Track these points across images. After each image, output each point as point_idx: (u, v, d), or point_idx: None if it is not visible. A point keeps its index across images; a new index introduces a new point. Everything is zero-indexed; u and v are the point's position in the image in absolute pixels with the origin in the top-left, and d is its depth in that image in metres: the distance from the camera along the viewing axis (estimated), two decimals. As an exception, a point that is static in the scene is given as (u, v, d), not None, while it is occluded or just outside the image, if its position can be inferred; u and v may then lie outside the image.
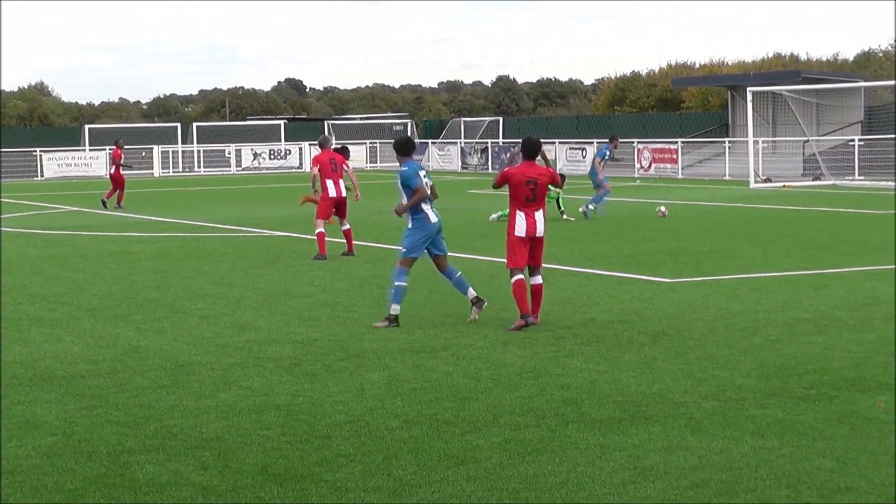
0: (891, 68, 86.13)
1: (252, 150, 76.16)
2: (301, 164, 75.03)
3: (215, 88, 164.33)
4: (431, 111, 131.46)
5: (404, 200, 15.82)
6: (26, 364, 13.25)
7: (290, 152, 76.49)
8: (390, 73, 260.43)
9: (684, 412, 10.56)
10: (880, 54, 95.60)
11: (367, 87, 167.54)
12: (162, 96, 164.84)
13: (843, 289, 18.17)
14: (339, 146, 36.29)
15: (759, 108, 57.66)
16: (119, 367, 13.05)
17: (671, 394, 11.30)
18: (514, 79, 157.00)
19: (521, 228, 15.32)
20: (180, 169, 74.51)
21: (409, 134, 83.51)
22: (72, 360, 13.44)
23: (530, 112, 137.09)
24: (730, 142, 60.59)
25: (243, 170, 74.45)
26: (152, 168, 71.81)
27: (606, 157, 34.73)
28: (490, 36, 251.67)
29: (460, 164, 72.97)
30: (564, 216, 32.54)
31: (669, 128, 69.55)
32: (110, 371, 12.79)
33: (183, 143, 77.44)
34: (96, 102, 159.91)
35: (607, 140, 36.14)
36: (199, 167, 74.91)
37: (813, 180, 51.94)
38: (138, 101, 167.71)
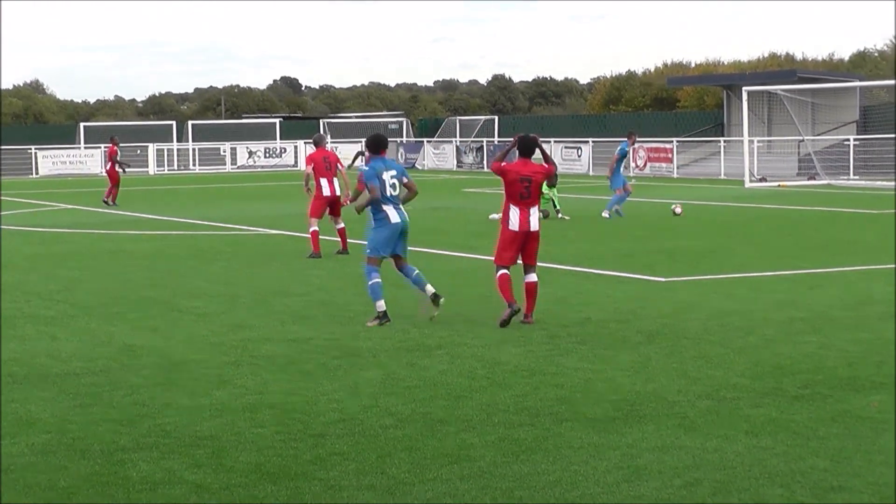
0: (886, 68, 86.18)
1: (247, 148, 76.14)
2: (296, 162, 74.98)
3: (211, 86, 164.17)
4: (427, 110, 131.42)
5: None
6: (21, 362, 13.24)
7: (285, 150, 76.50)
8: (386, 71, 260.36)
9: (678, 411, 10.57)
10: (876, 54, 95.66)
11: (362, 85, 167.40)
12: (157, 94, 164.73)
13: (839, 288, 18.19)
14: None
15: (754, 108, 57.67)
16: (114, 365, 13.04)
17: (665, 393, 11.30)
18: (509, 78, 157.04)
19: (514, 223, 15.36)
20: (175, 167, 74.50)
21: (405, 132, 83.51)
22: (66, 357, 13.44)
23: (526, 111, 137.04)
24: (725, 141, 60.59)
25: (239, 168, 74.44)
26: (147, 166, 71.75)
27: (626, 154, 34.59)
28: (486, 35, 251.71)
29: (456, 162, 72.95)
30: (560, 215, 32.53)
31: (665, 127, 69.53)
32: (105, 369, 12.79)
33: (178, 141, 77.41)
34: (92, 100, 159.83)
35: (625, 138, 35.89)
36: (194, 165, 74.91)
37: (808, 180, 51.95)
38: (134, 100, 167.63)
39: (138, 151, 71.18)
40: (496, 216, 32.05)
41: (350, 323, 15.54)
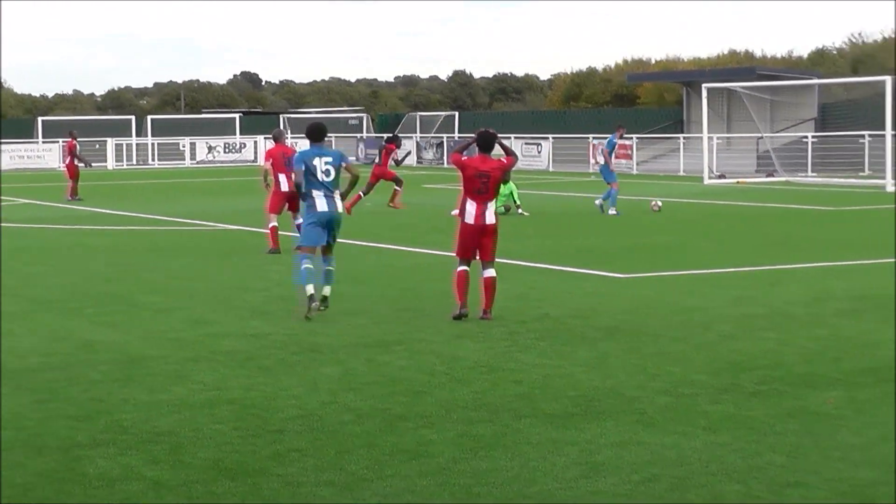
0: (844, 65, 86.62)
1: (207, 143, 75.89)
2: (256, 157, 74.75)
3: (170, 81, 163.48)
4: (387, 105, 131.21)
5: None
6: (-23, 357, 13.14)
7: (244, 146, 76.29)
8: (346, 67, 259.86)
9: (637, 407, 10.60)
10: (834, 52, 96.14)
11: (322, 80, 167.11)
12: (116, 89, 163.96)
13: (797, 285, 18.28)
14: (391, 136, 36.65)
15: (713, 105, 57.90)
16: (72, 360, 12.97)
17: (624, 389, 11.33)
18: (470, 74, 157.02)
19: (470, 216, 15.46)
20: (134, 162, 74.20)
21: (365, 127, 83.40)
22: (24, 353, 13.35)
23: (486, 107, 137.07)
24: (684, 138, 60.83)
25: (198, 163, 74.19)
26: (106, 161, 71.42)
27: (616, 146, 34.52)
28: (448, 31, 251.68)
29: (416, 158, 72.94)
30: (520, 211, 32.57)
31: (625, 123, 69.50)
32: (63, 365, 12.72)
33: (137, 135, 77.09)
34: (50, 94, 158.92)
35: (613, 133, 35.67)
36: (153, 160, 74.62)
37: (767, 177, 52.20)
38: (93, 94, 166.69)
39: (97, 146, 70.88)
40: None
41: (309, 319, 15.50)
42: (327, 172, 15.88)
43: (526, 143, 66.63)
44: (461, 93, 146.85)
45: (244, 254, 23.37)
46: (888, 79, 44.51)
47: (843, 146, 54.86)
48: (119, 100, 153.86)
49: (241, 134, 78.35)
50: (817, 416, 10.23)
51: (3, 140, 70.72)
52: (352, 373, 12.21)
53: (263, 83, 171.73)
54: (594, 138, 63.68)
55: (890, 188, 42.56)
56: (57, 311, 16.41)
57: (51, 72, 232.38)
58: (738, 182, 49.01)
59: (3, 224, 30.94)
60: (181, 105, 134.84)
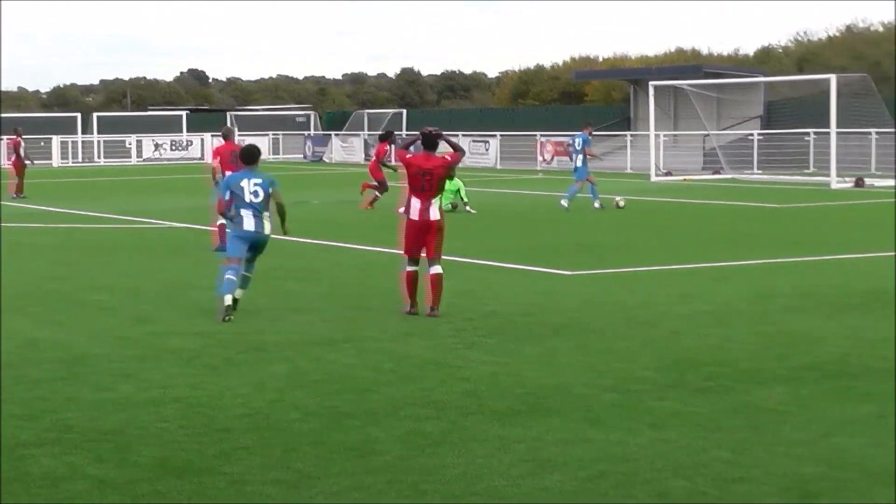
0: (789, 63, 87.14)
1: (153, 140, 75.52)
2: (203, 155, 74.46)
3: (117, 78, 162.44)
4: (335, 103, 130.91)
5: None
6: (-80, 356, 13.03)
7: (191, 143, 75.98)
8: (294, 64, 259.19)
9: (584, 404, 10.62)
10: (780, 50, 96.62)
11: (270, 78, 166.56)
12: (62, 86, 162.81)
13: (742, 282, 18.38)
14: (384, 132, 36.74)
15: (660, 102, 58.09)
16: (16, 359, 12.87)
17: (571, 386, 11.36)
18: (418, 71, 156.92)
19: (415, 212, 15.55)
20: (80, 159, 73.68)
21: (313, 125, 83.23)
22: (-33, 352, 13.24)
23: (434, 104, 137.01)
24: (632, 135, 61.04)
25: (144, 161, 73.78)
26: (51, 158, 70.93)
27: (589, 144, 34.53)
28: (395, 28, 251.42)
29: (364, 155, 72.77)
30: (468, 208, 32.58)
31: (572, 121, 69.74)
32: (7, 364, 12.61)
33: (83, 133, 76.60)
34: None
35: (581, 130, 35.56)
36: (99, 158, 74.15)
37: (713, 174, 52.45)
38: (38, 91, 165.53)
39: (42, 143, 70.34)
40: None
41: (256, 317, 15.46)
42: (255, 193, 15.71)
43: (474, 141, 66.65)
44: (409, 90, 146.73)
45: (190, 251, 23.27)
46: (832, 77, 44.81)
47: (788, 143, 55.20)
48: (65, 97, 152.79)
49: (187, 131, 78.00)
50: (762, 411, 10.29)
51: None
52: (299, 371, 12.18)
53: (210, 80, 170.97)
54: (542, 136, 63.82)
55: (834, 185, 42.87)
56: (1, 309, 16.27)
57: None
58: (684, 179, 49.23)
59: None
60: (127, 102, 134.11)
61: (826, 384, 11.31)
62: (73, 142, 74.46)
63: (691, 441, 9.34)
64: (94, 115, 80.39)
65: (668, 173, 51.98)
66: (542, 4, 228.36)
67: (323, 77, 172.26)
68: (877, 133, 50.50)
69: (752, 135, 56.95)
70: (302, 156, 76.55)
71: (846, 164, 47.28)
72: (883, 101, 49.32)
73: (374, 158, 36.31)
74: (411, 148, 16.30)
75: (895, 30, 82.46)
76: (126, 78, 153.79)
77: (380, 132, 36.52)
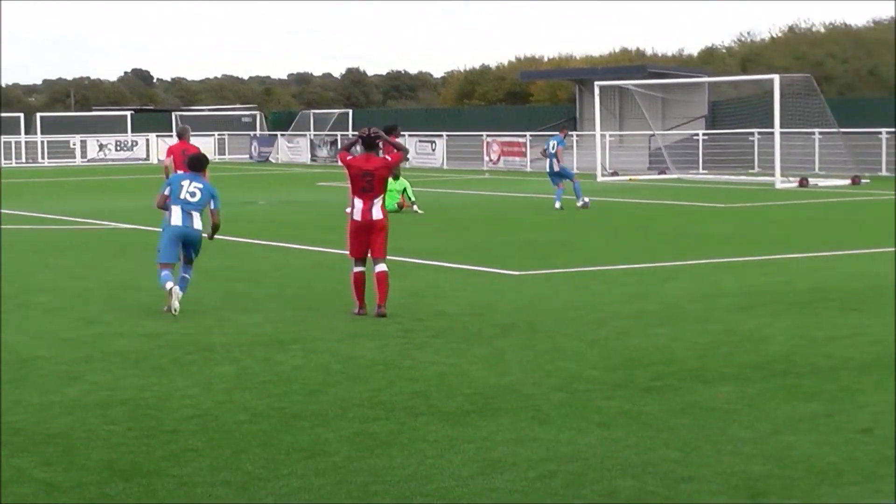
0: (733, 64, 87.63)
1: (98, 141, 75.06)
2: (148, 155, 74.18)
3: (60, 78, 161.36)
4: (280, 103, 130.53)
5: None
6: None
7: (136, 143, 75.56)
8: (239, 63, 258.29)
9: (532, 404, 10.64)
10: (723, 50, 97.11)
11: (215, 77, 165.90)
12: (4, 86, 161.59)
13: (689, 281, 18.47)
14: (391, 125, 36.77)
15: (606, 103, 58.32)
16: (-40, 362, 12.76)
17: (520, 386, 11.38)
18: (363, 71, 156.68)
19: (357, 213, 15.58)
20: (23, 160, 73.13)
21: (258, 125, 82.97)
22: (-89, 355, 13.11)
23: (380, 104, 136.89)
24: (577, 135, 61.17)
25: (89, 161, 73.33)
26: (-6, 159, 70.41)
27: (564, 145, 34.64)
28: (340, 28, 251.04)
29: (310, 156, 72.69)
30: (415, 208, 32.58)
31: (518, 121, 69.97)
32: (-49, 366, 12.50)
33: (26, 133, 76.02)
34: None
35: (558, 132, 35.80)
36: (43, 158, 73.64)
37: (659, 174, 52.67)
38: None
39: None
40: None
41: (203, 317, 15.40)
42: (192, 194, 15.92)
43: (420, 141, 66.66)
44: (355, 90, 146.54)
45: (136, 252, 23.14)
46: (776, 77, 45.08)
47: (733, 143, 55.50)
48: (7, 97, 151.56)
49: (132, 132, 77.55)
50: (710, 410, 10.34)
51: None
52: (247, 372, 12.15)
53: (155, 80, 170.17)
54: (488, 136, 63.87)
55: (779, 185, 43.14)
56: (-55, 311, 16.14)
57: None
58: (630, 179, 49.41)
59: None
60: (71, 102, 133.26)
61: (773, 383, 11.38)
62: (16, 142, 73.85)
63: (640, 440, 9.38)
64: (38, 115, 79.76)
65: (615, 173, 52.15)
66: (486, 4, 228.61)
67: (268, 77, 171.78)
68: (820, 133, 50.85)
69: (697, 135, 57.24)
70: (248, 156, 76.30)
71: (790, 164, 47.60)
72: (826, 102, 49.66)
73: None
74: (355, 149, 16.29)
75: (895, 29, 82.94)
76: (69, 78, 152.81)
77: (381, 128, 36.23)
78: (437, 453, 9.08)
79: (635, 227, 28.36)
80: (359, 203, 15.58)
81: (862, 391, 11.00)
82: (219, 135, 79.34)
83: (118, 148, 75.02)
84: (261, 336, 14.15)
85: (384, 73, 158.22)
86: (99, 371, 12.24)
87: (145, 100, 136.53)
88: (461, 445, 9.29)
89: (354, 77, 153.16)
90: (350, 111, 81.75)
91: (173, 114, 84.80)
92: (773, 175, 44.43)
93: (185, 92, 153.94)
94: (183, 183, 16.00)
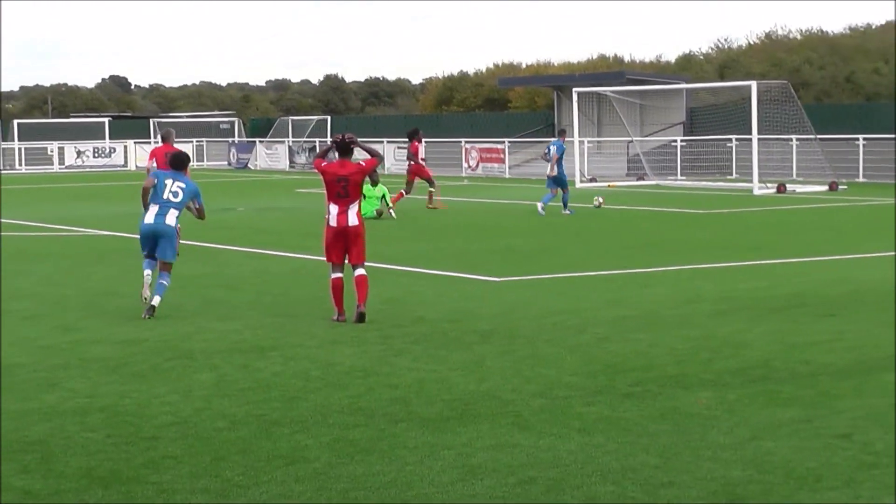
0: (710, 70, 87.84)
1: (76, 147, 74.89)
2: (126, 162, 74.03)
3: (37, 85, 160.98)
4: (259, 109, 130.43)
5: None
6: None
7: (114, 150, 75.40)
8: (217, 70, 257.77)
9: (512, 410, 10.65)
10: (701, 57, 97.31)
11: (193, 84, 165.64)
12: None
13: (668, 287, 18.50)
14: (411, 131, 36.71)
15: (584, 109, 58.40)
16: (-62, 369, 12.71)
17: (499, 392, 11.38)
18: (342, 78, 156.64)
19: (333, 220, 15.64)
20: (1, 167, 72.93)
21: (237, 132, 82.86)
22: None
23: (359, 111, 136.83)
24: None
25: (67, 168, 73.17)
26: (-29, 166, 70.22)
27: (563, 152, 34.79)
28: (318, 34, 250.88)
29: (288, 163, 72.63)
30: (391, 212, 32.56)
31: (496, 128, 70.03)
32: (-71, 374, 12.46)
33: (4, 140, 75.78)
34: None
35: (557, 136, 36.07)
36: (20, 165, 73.43)
37: (637, 180, 52.75)
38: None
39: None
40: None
41: (182, 324, 15.38)
42: (175, 194, 16.41)
43: (399, 147, 66.58)
44: (333, 97, 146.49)
45: (114, 259, 23.09)
46: (753, 84, 45.20)
47: (711, 150, 55.62)
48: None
49: (110, 138, 77.38)
50: (689, 416, 10.36)
51: None
52: (226, 379, 12.13)
53: (133, 87, 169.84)
54: (467, 142, 63.89)
55: (757, 191, 43.24)
56: (-78, 318, 16.07)
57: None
58: (609, 185, 49.46)
59: None
60: (49, 109, 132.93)
61: (751, 388, 11.40)
62: (-7, 149, 73.70)
63: (619, 446, 9.39)
64: (15, 121, 79.58)
65: (593, 179, 52.20)
66: (465, 12, 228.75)
67: (247, 84, 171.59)
68: (798, 139, 50.99)
69: (675, 141, 57.35)
70: (226, 163, 76.22)
71: (768, 171, 47.72)
72: (803, 108, 49.81)
73: (413, 162, 36.23)
74: (332, 155, 16.28)
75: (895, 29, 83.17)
76: (47, 84, 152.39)
77: (407, 133, 36.81)
78: (416, 459, 9.08)
79: (614, 234, 28.38)
80: (334, 209, 15.63)
81: (840, 396, 11.03)
82: (197, 141, 79.18)
83: (96, 155, 74.85)
84: (240, 343, 14.13)
85: (362, 79, 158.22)
86: (77, 378, 12.21)
87: (123, 106, 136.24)
88: (441, 452, 9.29)
89: (333, 83, 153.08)
90: (328, 118, 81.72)
91: (151, 120, 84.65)
92: (750, 181, 44.54)
93: (163, 98, 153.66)
94: (167, 182, 16.40)
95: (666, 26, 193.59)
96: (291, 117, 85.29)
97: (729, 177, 53.18)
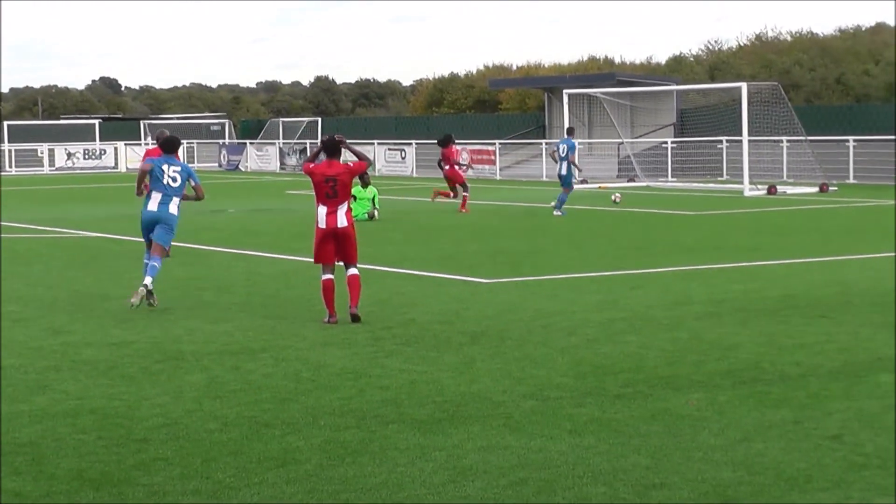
0: (701, 72, 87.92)
1: (66, 149, 74.81)
2: (116, 164, 73.96)
3: (27, 86, 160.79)
4: (249, 111, 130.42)
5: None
6: None
7: (105, 152, 75.33)
8: (208, 72, 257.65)
9: (503, 411, 10.65)
10: (691, 58, 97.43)
11: (184, 86, 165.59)
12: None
13: (658, 288, 18.51)
14: (444, 137, 36.87)
15: (575, 111, 58.37)
16: (-72, 371, 12.69)
17: (490, 393, 11.39)
18: (332, 79, 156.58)
19: (322, 221, 15.66)
20: (-8, 168, 72.91)
21: (227, 133, 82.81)
22: None
23: (349, 112, 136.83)
24: (547, 143, 61.21)
25: (57, 170, 73.10)
26: (-39, 168, 70.13)
27: (574, 151, 34.89)
28: (308, 36, 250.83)
29: (279, 164, 72.60)
30: (376, 213, 32.54)
31: (487, 129, 70.06)
32: (-81, 376, 12.44)
33: (-5, 142, 75.78)
34: None
35: (567, 136, 36.23)
36: (10, 167, 73.34)
37: (628, 182, 52.79)
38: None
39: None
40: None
41: (172, 326, 15.37)
42: (174, 179, 17.04)
43: (389, 149, 66.67)
44: (324, 98, 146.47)
45: (105, 261, 23.08)
46: (743, 85, 45.27)
47: (701, 151, 55.69)
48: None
49: (100, 140, 77.32)
50: (679, 417, 10.37)
51: None
52: (217, 380, 12.12)
53: (123, 88, 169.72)
54: (457, 143, 63.81)
55: (748, 193, 43.29)
56: (-88, 320, 16.05)
57: None
58: (599, 187, 49.48)
59: None
60: (39, 111, 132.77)
61: (742, 390, 11.41)
62: (-17, 151, 73.60)
63: (610, 447, 9.40)
64: (5, 123, 79.50)
65: (584, 181, 52.21)
66: (455, 13, 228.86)
67: (237, 85, 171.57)
68: (788, 141, 51.05)
69: (665, 143, 57.40)
70: (217, 164, 76.18)
71: (759, 172, 47.79)
72: (793, 109, 49.88)
73: (448, 167, 36.30)
74: (315, 159, 16.32)
75: None
76: (37, 86, 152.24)
77: (438, 140, 37.09)
78: (407, 461, 9.08)
79: (604, 235, 28.40)
80: (323, 210, 15.65)
81: (830, 398, 11.05)
82: (187, 143, 79.09)
83: (86, 156, 74.80)
84: (231, 344, 14.12)
85: (353, 81, 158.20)
86: (68, 380, 12.20)
87: (113, 108, 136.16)
88: (432, 453, 9.30)
89: (323, 85, 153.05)
90: (319, 119, 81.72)
91: (142, 122, 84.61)
92: (741, 183, 44.59)
93: (153, 100, 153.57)
94: (164, 168, 16.95)
95: (656, 28, 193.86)
96: (282, 119, 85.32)
97: (720, 178, 53.24)
